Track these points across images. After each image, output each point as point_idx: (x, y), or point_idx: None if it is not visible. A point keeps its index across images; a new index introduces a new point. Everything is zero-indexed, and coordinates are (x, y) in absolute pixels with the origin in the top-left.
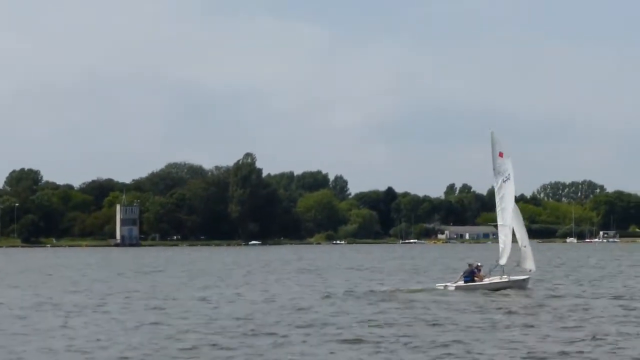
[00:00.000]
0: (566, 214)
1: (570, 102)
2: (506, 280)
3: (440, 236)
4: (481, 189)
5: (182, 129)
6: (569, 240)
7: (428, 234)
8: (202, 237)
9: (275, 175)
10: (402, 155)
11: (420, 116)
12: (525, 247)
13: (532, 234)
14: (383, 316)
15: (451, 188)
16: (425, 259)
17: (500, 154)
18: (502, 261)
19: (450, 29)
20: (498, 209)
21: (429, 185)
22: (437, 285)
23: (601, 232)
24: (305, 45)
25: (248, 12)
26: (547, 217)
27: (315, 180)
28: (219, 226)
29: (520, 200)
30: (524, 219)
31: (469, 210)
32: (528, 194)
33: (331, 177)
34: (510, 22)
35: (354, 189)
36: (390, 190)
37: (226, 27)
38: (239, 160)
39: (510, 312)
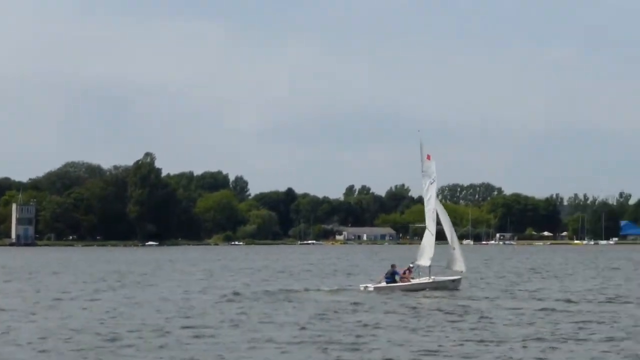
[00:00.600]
0: (463, 215)
1: (469, 104)
2: (429, 281)
3: (338, 237)
4: (380, 190)
5: (82, 128)
6: (465, 242)
7: (326, 235)
8: (98, 238)
9: (175, 175)
10: (302, 157)
11: (320, 117)
12: (454, 249)
13: None
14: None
15: (350, 189)
16: (348, 260)
17: (428, 157)
18: (421, 262)
19: (353, 30)
20: (426, 209)
21: (329, 186)
22: (360, 285)
23: (498, 235)
24: (206, 45)
25: (151, 12)
26: None
27: (215, 181)
28: (117, 226)
29: (418, 202)
30: (422, 220)
31: (367, 211)
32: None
33: (231, 178)
34: (414, 25)
35: (254, 189)
36: (290, 191)
37: (128, 26)
38: (138, 160)
39: (394, 313)
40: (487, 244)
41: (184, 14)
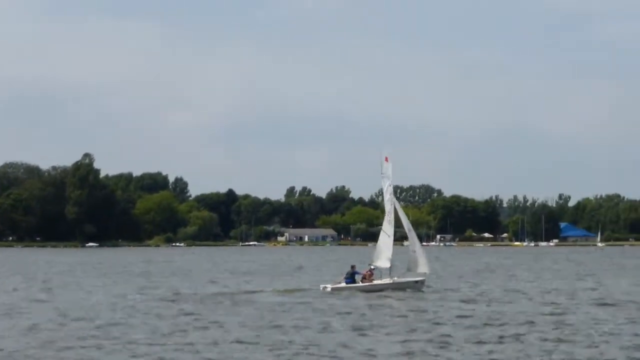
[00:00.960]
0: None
1: (409, 106)
2: (390, 282)
3: (280, 238)
4: (321, 192)
5: (19, 128)
6: (405, 243)
7: (268, 237)
8: (38, 239)
9: (114, 176)
10: (243, 158)
11: (261, 118)
12: (414, 251)
13: (371, 237)
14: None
15: (291, 191)
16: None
17: (386, 159)
18: (379, 263)
19: (291, 32)
20: (387, 211)
21: (270, 187)
22: (321, 285)
23: (438, 236)
24: (146, 46)
25: (87, 12)
26: None
27: (154, 182)
28: (56, 227)
29: (358, 203)
30: (363, 222)
31: (308, 212)
32: (367, 197)
33: (171, 179)
34: (350, 26)
35: (194, 190)
36: (230, 193)
37: (65, 26)
38: (77, 161)
39: (346, 314)
40: (428, 245)
41: (120, 14)
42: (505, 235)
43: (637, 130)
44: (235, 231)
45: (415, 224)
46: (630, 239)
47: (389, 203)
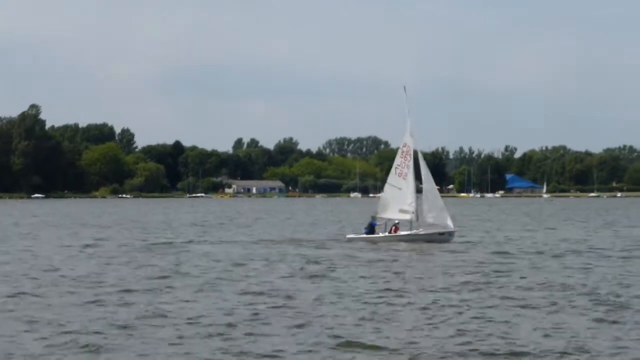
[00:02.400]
0: (351, 169)
1: (355, 59)
2: (408, 233)
3: (227, 190)
4: (268, 143)
5: None
6: (352, 195)
7: (215, 188)
8: None
9: (60, 128)
10: (189, 109)
11: (209, 70)
12: (435, 207)
13: (318, 188)
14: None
15: (239, 142)
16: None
17: None
18: (387, 214)
19: None
20: (411, 167)
21: (217, 139)
22: (347, 236)
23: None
24: None
25: None
26: (332, 172)
27: (101, 133)
28: (1, 178)
29: (306, 155)
30: (310, 173)
31: (256, 164)
32: (314, 149)
33: (117, 130)
34: None
35: (140, 142)
36: (177, 144)
37: None
38: (23, 112)
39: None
40: (375, 196)
41: None
42: (451, 186)
43: (584, 82)
44: (183, 183)
45: (363, 176)
46: (574, 190)
47: (407, 156)
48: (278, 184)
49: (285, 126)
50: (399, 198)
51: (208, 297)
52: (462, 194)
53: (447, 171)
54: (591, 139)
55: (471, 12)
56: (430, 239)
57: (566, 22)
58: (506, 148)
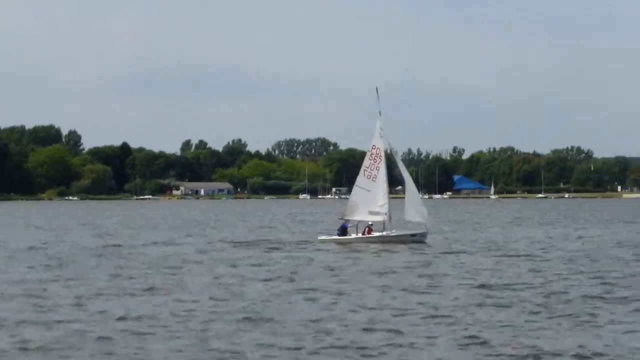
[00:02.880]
0: (300, 170)
1: (305, 60)
2: (379, 235)
3: (175, 192)
4: (217, 145)
5: None
6: (301, 196)
7: (163, 190)
8: None
9: (6, 129)
10: (137, 111)
11: (156, 70)
12: (413, 205)
13: (267, 190)
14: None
15: (187, 144)
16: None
17: (379, 113)
18: (356, 217)
19: None
20: (381, 165)
21: (165, 141)
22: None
23: (334, 189)
24: None
25: None
26: (281, 173)
27: (47, 135)
28: None
29: (255, 156)
30: (259, 175)
31: (204, 166)
32: (263, 151)
33: (64, 132)
34: None
35: (88, 144)
36: (125, 146)
37: None
38: None
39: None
40: (324, 198)
41: None
42: (399, 187)
43: (531, 83)
44: (130, 185)
45: (312, 177)
46: (521, 191)
47: (377, 158)
48: (226, 185)
49: (234, 128)
50: (367, 200)
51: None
52: None
53: (395, 172)
54: (539, 140)
55: (420, 13)
56: (402, 240)
57: (514, 22)
58: (454, 149)
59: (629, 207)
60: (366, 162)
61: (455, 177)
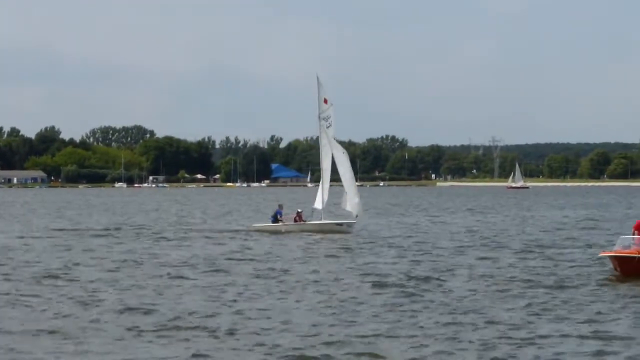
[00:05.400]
0: (116, 158)
1: (119, 47)
2: (312, 223)
3: None
4: (29, 132)
5: None
6: (117, 185)
7: None
8: None
9: None
10: None
11: None
12: (346, 193)
13: (82, 178)
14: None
15: None
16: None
17: (325, 100)
18: (318, 205)
19: None
20: (322, 153)
21: None
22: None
23: (151, 177)
24: None
25: None
26: (96, 161)
27: None
28: None
29: (69, 144)
30: (73, 163)
31: (17, 154)
32: (77, 138)
33: None
34: None
35: None
36: None
37: None
38: None
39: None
40: (141, 186)
41: None
42: (217, 176)
43: (346, 71)
44: None
45: (128, 165)
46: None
47: (327, 146)
48: (40, 173)
49: (47, 115)
50: (324, 188)
51: None
52: (229, 184)
53: (213, 161)
54: (355, 129)
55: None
56: (327, 229)
57: (328, 9)
58: (272, 138)
59: (451, 195)
60: (323, 150)
61: (273, 166)
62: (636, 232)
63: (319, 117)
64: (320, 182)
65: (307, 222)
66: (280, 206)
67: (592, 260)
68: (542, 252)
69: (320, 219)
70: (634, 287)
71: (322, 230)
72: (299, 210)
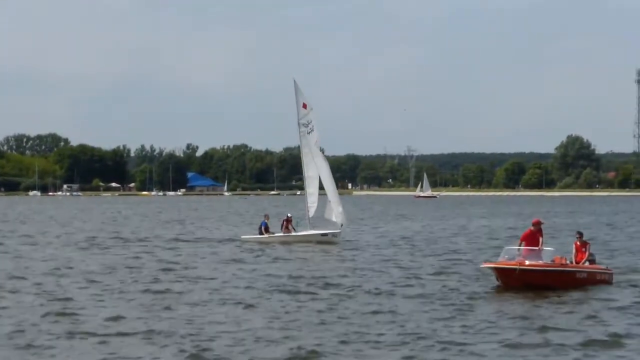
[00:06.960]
0: (30, 167)
1: (36, 54)
2: (295, 234)
3: None
4: None
5: None
6: (32, 193)
7: None
8: None
9: None
10: None
11: None
12: (330, 201)
13: (4, 186)
14: None
15: None
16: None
17: (304, 105)
18: (312, 214)
19: None
20: (305, 160)
21: None
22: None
23: (65, 186)
24: None
25: None
26: (10, 169)
27: None
28: None
29: None
30: None
31: None
32: None
33: None
34: None
35: None
36: None
37: None
38: None
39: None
40: (55, 195)
41: None
42: (132, 184)
43: (265, 80)
44: None
45: (42, 174)
46: (258, 190)
47: (309, 153)
48: None
49: None
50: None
51: None
52: (144, 192)
53: (128, 169)
54: (271, 138)
55: (152, 7)
56: (313, 239)
57: (242, 20)
58: (188, 146)
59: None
60: (306, 158)
61: (189, 174)
62: (523, 242)
63: (298, 123)
64: (305, 191)
65: (291, 234)
66: (266, 216)
67: (476, 271)
68: (432, 264)
69: (307, 229)
70: (507, 300)
71: (308, 241)
72: (289, 215)
